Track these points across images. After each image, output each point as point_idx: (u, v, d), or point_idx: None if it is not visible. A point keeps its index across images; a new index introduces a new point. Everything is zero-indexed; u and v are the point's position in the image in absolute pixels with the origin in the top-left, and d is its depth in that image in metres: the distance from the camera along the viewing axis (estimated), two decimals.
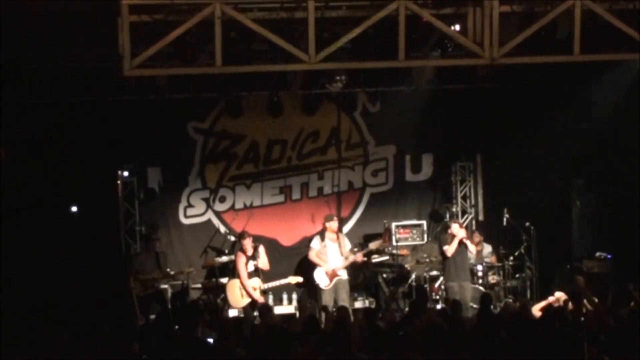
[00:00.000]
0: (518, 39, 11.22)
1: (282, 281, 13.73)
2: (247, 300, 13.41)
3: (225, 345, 9.24)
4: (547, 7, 11.19)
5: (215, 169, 15.08)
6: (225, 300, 13.69)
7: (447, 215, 15.61)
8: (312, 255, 13.90)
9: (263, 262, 13.52)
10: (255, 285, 13.38)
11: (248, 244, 13.55)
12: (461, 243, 13.58)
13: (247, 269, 13.42)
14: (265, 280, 13.55)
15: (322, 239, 13.95)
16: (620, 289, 12.21)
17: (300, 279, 13.82)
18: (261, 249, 13.60)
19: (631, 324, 9.80)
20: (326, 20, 11.00)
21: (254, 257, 13.49)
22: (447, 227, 14.21)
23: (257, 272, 13.45)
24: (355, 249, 14.13)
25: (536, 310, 11.73)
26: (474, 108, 15.05)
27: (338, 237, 13.95)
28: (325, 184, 15.43)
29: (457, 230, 13.64)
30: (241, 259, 13.45)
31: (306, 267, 14.32)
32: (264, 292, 13.70)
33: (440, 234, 14.98)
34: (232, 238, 14.70)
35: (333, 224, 13.89)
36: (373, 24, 10.99)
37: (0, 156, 12.84)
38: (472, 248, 13.80)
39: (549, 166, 14.92)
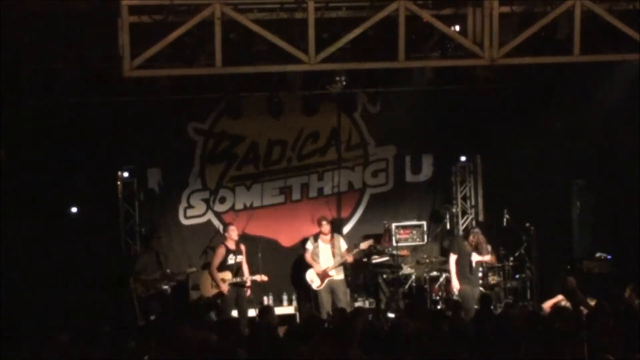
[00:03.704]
0: (518, 39, 11.22)
1: (250, 278, 13.65)
2: (216, 290, 13.56)
3: (225, 345, 9.24)
4: (547, 7, 11.19)
5: (215, 169, 15.08)
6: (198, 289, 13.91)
7: (447, 216, 15.63)
8: (307, 257, 14.12)
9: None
10: (226, 277, 13.52)
11: (233, 231, 13.62)
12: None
13: (225, 261, 13.52)
14: (237, 275, 13.59)
15: (315, 239, 14.12)
16: (616, 291, 12.21)
17: (265, 278, 13.75)
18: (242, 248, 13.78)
19: (631, 324, 9.80)
20: (326, 21, 11.00)
21: (236, 251, 13.60)
22: (467, 235, 14.04)
23: (232, 266, 13.52)
24: (355, 250, 14.20)
25: (547, 307, 11.75)
26: (474, 108, 15.04)
27: (332, 238, 14.06)
28: (325, 185, 15.43)
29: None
30: (220, 250, 13.62)
31: (301, 268, 14.44)
32: (240, 286, 13.63)
33: (455, 239, 14.84)
34: None
35: (324, 227, 14.01)
36: (373, 25, 10.99)
37: (0, 157, 12.84)
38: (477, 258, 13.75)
39: (549, 166, 14.93)
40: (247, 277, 13.61)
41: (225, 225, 13.97)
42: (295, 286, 14.84)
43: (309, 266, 14.10)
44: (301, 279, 14.37)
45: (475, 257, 13.62)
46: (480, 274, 14.26)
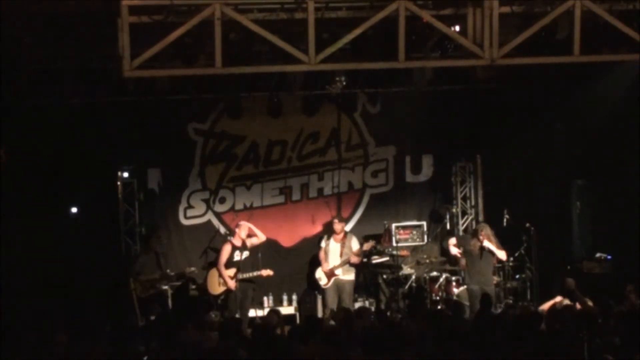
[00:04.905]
0: (518, 39, 11.20)
1: (255, 273, 13.79)
2: (224, 288, 13.71)
3: (226, 346, 9.25)
4: (547, 7, 11.18)
5: (215, 170, 15.08)
6: (204, 288, 13.97)
7: (447, 216, 15.63)
8: (320, 255, 14.25)
9: (258, 235, 13.93)
10: (231, 274, 13.61)
11: (243, 233, 13.78)
12: (484, 248, 13.55)
13: (232, 257, 13.67)
14: (243, 271, 13.70)
15: (329, 238, 14.21)
16: (617, 292, 12.21)
17: (270, 272, 13.87)
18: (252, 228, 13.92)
19: (631, 324, 9.79)
20: (326, 21, 10.98)
21: (241, 248, 13.72)
22: (476, 233, 13.93)
23: (237, 263, 13.68)
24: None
25: (544, 308, 11.74)
26: (474, 108, 15.06)
27: (344, 238, 14.12)
28: (326, 185, 15.44)
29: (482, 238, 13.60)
30: (226, 247, 13.76)
31: (311, 266, 14.59)
32: (248, 282, 13.79)
33: (463, 235, 14.84)
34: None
35: (335, 226, 14.13)
36: (373, 25, 10.98)
37: (0, 157, 12.84)
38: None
39: (549, 166, 14.92)
40: (261, 271, 13.78)
41: (239, 224, 14.01)
42: (308, 285, 14.87)
43: (319, 265, 14.20)
44: (302, 279, 14.42)
45: (487, 244, 13.52)
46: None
